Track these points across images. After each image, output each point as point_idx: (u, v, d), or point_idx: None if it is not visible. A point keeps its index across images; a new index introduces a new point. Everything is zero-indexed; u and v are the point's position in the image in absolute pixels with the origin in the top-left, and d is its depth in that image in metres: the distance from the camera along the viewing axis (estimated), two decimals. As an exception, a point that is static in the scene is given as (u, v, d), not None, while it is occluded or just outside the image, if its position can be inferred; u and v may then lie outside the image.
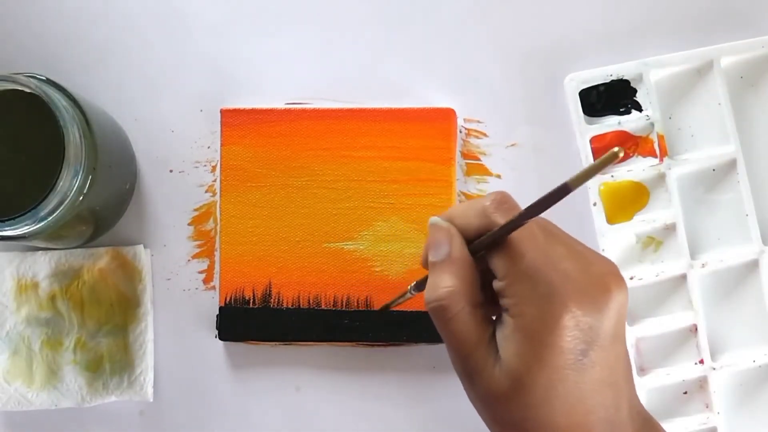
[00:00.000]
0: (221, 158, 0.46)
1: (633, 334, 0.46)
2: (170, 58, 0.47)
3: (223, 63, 0.47)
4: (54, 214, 0.38)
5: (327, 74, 0.47)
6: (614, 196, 0.46)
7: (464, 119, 0.47)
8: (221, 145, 0.46)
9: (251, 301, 0.45)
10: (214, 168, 0.47)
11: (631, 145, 0.46)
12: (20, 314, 0.46)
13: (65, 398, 0.46)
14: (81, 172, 0.38)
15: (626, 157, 0.46)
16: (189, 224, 0.47)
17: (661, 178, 0.46)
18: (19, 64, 0.47)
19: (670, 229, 0.46)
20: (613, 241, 0.46)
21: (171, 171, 0.47)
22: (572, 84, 0.46)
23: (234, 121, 0.46)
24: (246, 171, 0.46)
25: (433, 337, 0.45)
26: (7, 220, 0.37)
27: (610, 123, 0.46)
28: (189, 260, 0.47)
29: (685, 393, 0.46)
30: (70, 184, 0.38)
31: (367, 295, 0.45)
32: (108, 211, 0.45)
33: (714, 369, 0.45)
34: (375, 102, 0.46)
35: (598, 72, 0.46)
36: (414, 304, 0.45)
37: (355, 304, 0.45)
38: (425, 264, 0.35)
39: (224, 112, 0.46)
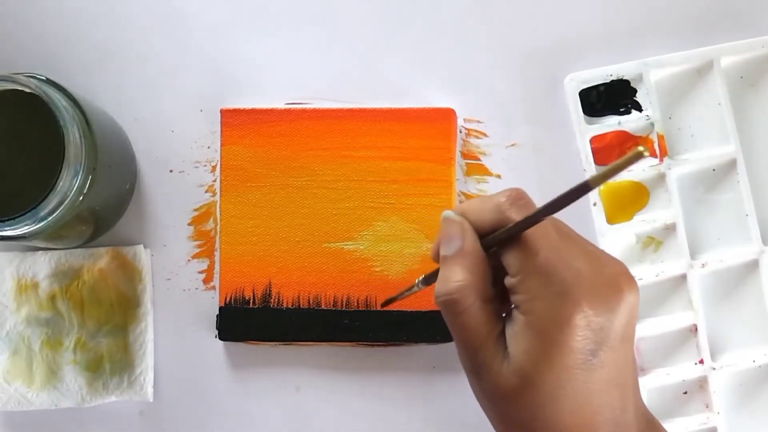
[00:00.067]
0: (221, 158, 0.46)
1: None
2: (170, 58, 0.47)
3: (223, 63, 0.47)
4: (54, 214, 0.38)
5: (327, 74, 0.47)
6: (614, 196, 0.46)
7: (464, 119, 0.47)
8: (221, 145, 0.46)
9: (251, 301, 0.45)
10: (214, 168, 0.47)
11: (631, 145, 0.46)
12: (20, 314, 0.46)
13: (65, 398, 0.46)
14: (81, 172, 0.38)
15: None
16: (189, 224, 0.47)
17: (661, 178, 0.46)
18: (19, 64, 0.47)
19: (670, 229, 0.46)
20: (613, 241, 0.46)
21: (171, 171, 0.47)
22: (572, 84, 0.46)
23: (234, 121, 0.46)
24: (246, 171, 0.46)
25: (433, 337, 0.45)
26: (7, 220, 0.37)
27: (610, 123, 0.46)
28: (189, 260, 0.47)
29: (685, 393, 0.46)
30: (70, 184, 0.38)
31: (367, 295, 0.45)
32: (108, 211, 0.45)
33: (714, 369, 0.45)
34: (375, 102, 0.46)
35: (598, 72, 0.46)
36: (414, 304, 0.45)
37: (355, 304, 0.45)
38: (436, 257, 0.35)
39: (224, 112, 0.46)
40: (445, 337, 0.45)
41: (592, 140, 0.46)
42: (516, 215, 0.32)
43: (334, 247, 0.46)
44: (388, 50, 0.47)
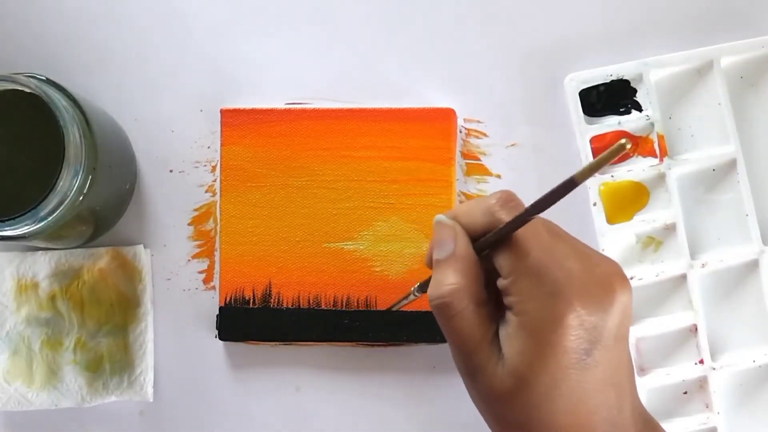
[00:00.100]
0: (221, 158, 0.46)
1: (633, 334, 0.46)
2: (170, 58, 0.47)
3: (223, 63, 0.47)
4: (54, 214, 0.38)
5: (327, 74, 0.47)
6: (614, 196, 0.46)
7: (464, 119, 0.47)
8: (221, 145, 0.46)
9: (251, 301, 0.45)
10: (214, 168, 0.47)
11: (631, 145, 0.46)
12: (20, 314, 0.46)
13: (65, 398, 0.46)
14: (81, 172, 0.38)
15: (626, 157, 0.46)
16: (189, 224, 0.47)
17: (661, 178, 0.46)
18: (19, 64, 0.47)
19: (670, 229, 0.46)
20: (613, 241, 0.46)
21: (171, 171, 0.47)
22: (572, 84, 0.46)
23: (234, 121, 0.46)
24: (246, 171, 0.46)
25: (433, 337, 0.45)
26: (7, 220, 0.37)
27: (610, 123, 0.46)
28: (189, 260, 0.47)
29: (685, 393, 0.46)
30: (70, 184, 0.38)
31: (367, 295, 0.45)
32: (108, 211, 0.45)
33: (714, 369, 0.45)
34: (375, 102, 0.46)
35: (598, 72, 0.46)
36: (413, 304, 0.45)
37: (355, 304, 0.45)
38: (429, 264, 0.35)
39: (224, 112, 0.46)
40: (445, 338, 0.45)
41: (592, 140, 0.46)
42: (506, 217, 0.32)
43: (334, 247, 0.46)
44: (388, 50, 0.47)
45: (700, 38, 0.46)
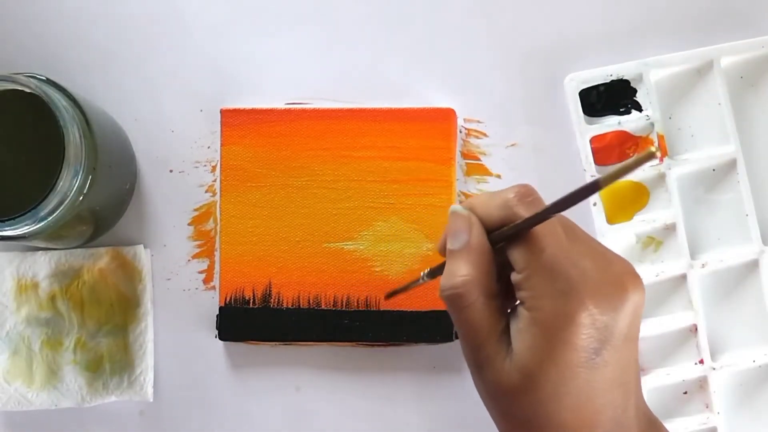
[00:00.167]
0: (221, 158, 0.46)
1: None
2: (170, 58, 0.47)
3: (223, 63, 0.47)
4: (54, 214, 0.38)
5: (327, 74, 0.47)
6: (614, 196, 0.46)
7: (464, 119, 0.47)
8: (221, 145, 0.46)
9: (251, 301, 0.45)
10: (214, 168, 0.47)
11: (631, 145, 0.46)
12: (20, 314, 0.46)
13: (65, 398, 0.46)
14: (81, 172, 0.38)
15: (626, 157, 0.46)
16: (189, 224, 0.47)
17: (661, 178, 0.46)
18: (19, 64, 0.47)
19: (670, 229, 0.46)
20: (613, 241, 0.46)
21: (171, 171, 0.47)
22: (572, 84, 0.46)
23: (234, 121, 0.46)
24: (246, 171, 0.46)
25: (433, 337, 0.45)
26: (7, 220, 0.37)
27: (610, 123, 0.46)
28: (189, 260, 0.47)
29: (685, 393, 0.46)
30: (70, 184, 0.38)
31: (367, 295, 0.45)
32: (108, 211, 0.45)
33: (714, 369, 0.45)
34: (375, 102, 0.46)
35: (598, 72, 0.46)
36: (414, 304, 0.45)
37: (355, 304, 0.45)
38: (442, 251, 0.35)
39: (224, 112, 0.46)
40: (445, 337, 0.45)
41: (592, 140, 0.46)
42: (524, 212, 0.32)
43: (334, 247, 0.46)
44: (388, 50, 0.47)
45: (700, 38, 0.46)
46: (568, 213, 0.31)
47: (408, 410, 0.46)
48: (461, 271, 0.33)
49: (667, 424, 0.35)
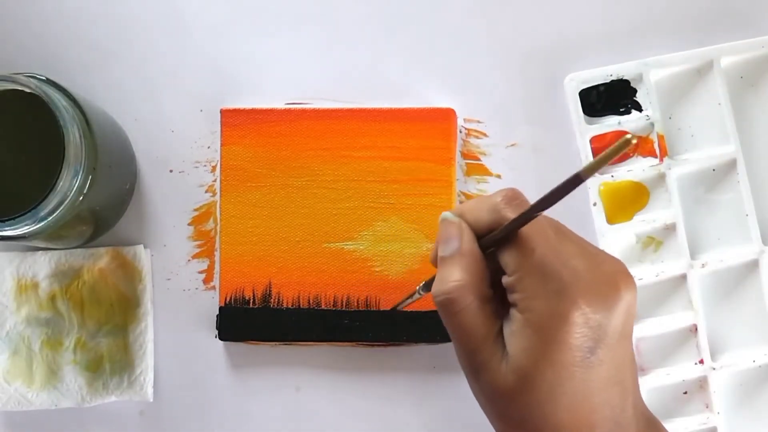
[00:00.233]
0: (221, 158, 0.46)
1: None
2: (170, 58, 0.47)
3: (223, 63, 0.47)
4: (54, 214, 0.38)
5: (327, 74, 0.47)
6: (614, 196, 0.46)
7: (464, 119, 0.47)
8: (221, 145, 0.46)
9: (251, 301, 0.45)
10: (214, 168, 0.47)
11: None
12: (20, 314, 0.46)
13: (65, 398, 0.46)
14: (81, 172, 0.38)
15: (626, 157, 0.46)
16: (189, 224, 0.47)
17: (661, 178, 0.46)
18: (19, 64, 0.47)
19: (670, 229, 0.46)
20: (613, 241, 0.46)
21: (171, 171, 0.47)
22: (572, 84, 0.46)
23: (234, 121, 0.46)
24: (246, 171, 0.46)
25: (433, 337, 0.45)
26: (7, 220, 0.37)
27: (610, 123, 0.46)
28: (189, 260, 0.47)
29: (685, 393, 0.46)
30: (70, 184, 0.38)
31: (367, 295, 0.45)
32: (108, 211, 0.45)
33: (714, 369, 0.45)
34: (375, 102, 0.46)
35: (598, 72, 0.46)
36: (414, 304, 0.45)
37: (355, 304, 0.45)
38: (434, 262, 0.35)
39: (224, 112, 0.46)
40: (445, 337, 0.45)
41: (592, 140, 0.46)
42: (512, 214, 0.32)
43: (334, 247, 0.46)
44: (388, 50, 0.47)
45: (700, 38, 0.46)
46: (567, 214, 0.31)
47: (408, 410, 0.46)
48: (453, 277, 0.33)
49: (667, 424, 0.35)
